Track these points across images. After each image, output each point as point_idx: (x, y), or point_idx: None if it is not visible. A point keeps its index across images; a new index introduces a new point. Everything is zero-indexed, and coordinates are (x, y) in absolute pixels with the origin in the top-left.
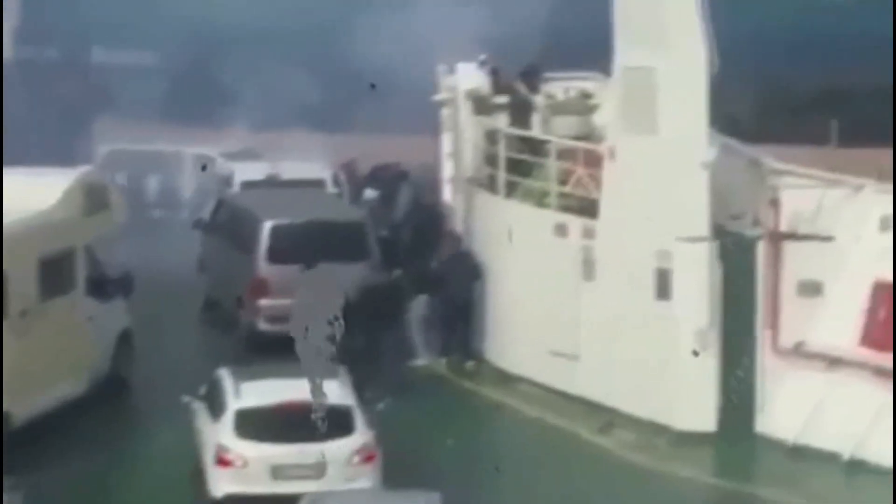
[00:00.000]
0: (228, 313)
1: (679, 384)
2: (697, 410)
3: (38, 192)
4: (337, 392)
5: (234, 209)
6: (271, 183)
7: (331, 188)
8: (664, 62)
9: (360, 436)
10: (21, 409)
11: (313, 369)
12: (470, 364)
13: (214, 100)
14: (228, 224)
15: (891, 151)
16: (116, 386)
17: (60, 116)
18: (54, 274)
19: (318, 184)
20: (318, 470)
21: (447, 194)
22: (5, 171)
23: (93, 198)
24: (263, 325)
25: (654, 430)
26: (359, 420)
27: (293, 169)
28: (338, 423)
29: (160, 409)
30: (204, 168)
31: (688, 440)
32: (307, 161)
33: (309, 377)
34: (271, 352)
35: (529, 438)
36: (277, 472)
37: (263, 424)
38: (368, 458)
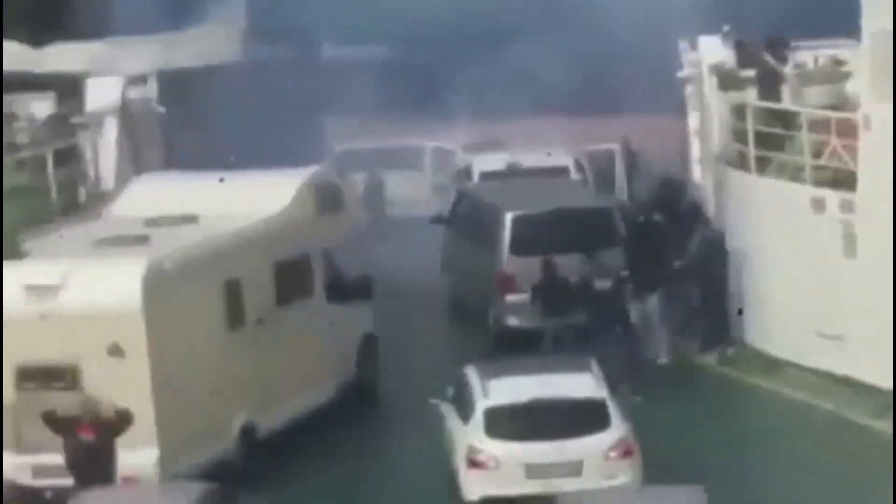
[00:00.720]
0: (475, 311)
1: None
2: None
3: (268, 194)
4: (590, 385)
5: (474, 202)
6: (512, 173)
7: (574, 175)
8: None
9: (617, 430)
10: (265, 420)
11: (565, 363)
12: (730, 350)
13: (449, 91)
14: (469, 218)
15: None
16: (362, 392)
17: (294, 115)
18: (291, 279)
19: (560, 171)
20: (575, 467)
21: (696, 174)
22: (234, 174)
23: (326, 198)
24: (513, 321)
25: None
26: (614, 414)
27: (533, 158)
28: (592, 417)
29: (408, 413)
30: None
31: None
32: (549, 148)
33: (560, 371)
34: (522, 348)
35: (801, 424)
36: (532, 471)
37: (515, 422)
38: (626, 453)
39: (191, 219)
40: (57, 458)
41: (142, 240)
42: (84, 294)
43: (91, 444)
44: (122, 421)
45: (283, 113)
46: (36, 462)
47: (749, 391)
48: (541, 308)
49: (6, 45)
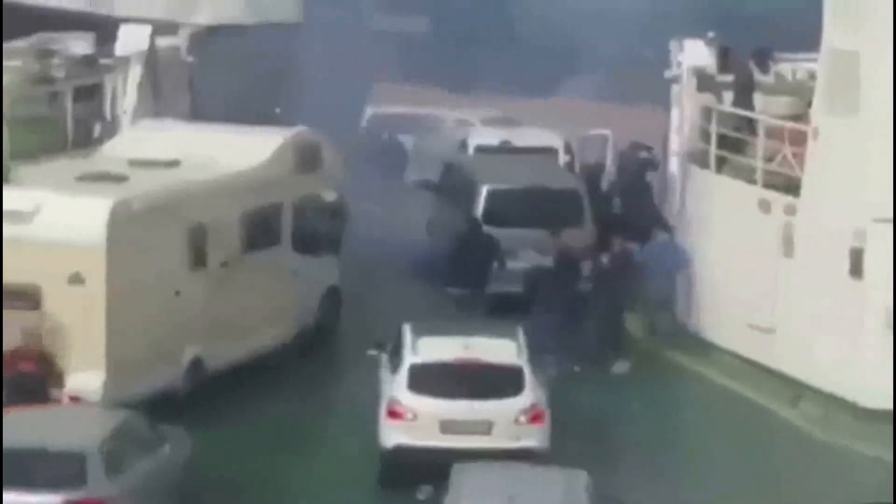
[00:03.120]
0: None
1: (867, 362)
2: (885, 388)
3: (250, 150)
4: (511, 351)
5: (459, 173)
6: (503, 149)
7: (562, 156)
8: (869, 45)
9: (529, 396)
10: (215, 356)
11: (494, 329)
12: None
13: (479, 66)
14: (454, 187)
15: None
16: (320, 340)
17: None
18: (259, 228)
19: (549, 151)
20: (485, 427)
21: (672, 167)
22: (226, 128)
23: (306, 157)
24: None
25: (840, 406)
26: (529, 381)
27: (527, 136)
28: (508, 382)
29: (357, 361)
30: None
31: (874, 417)
32: (544, 129)
33: (487, 336)
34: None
35: (718, 408)
36: (446, 426)
37: (435, 380)
38: (535, 418)
39: (173, 164)
40: None
41: (119, 178)
42: (53, 223)
43: (29, 375)
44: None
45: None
46: None
47: (677, 371)
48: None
49: None
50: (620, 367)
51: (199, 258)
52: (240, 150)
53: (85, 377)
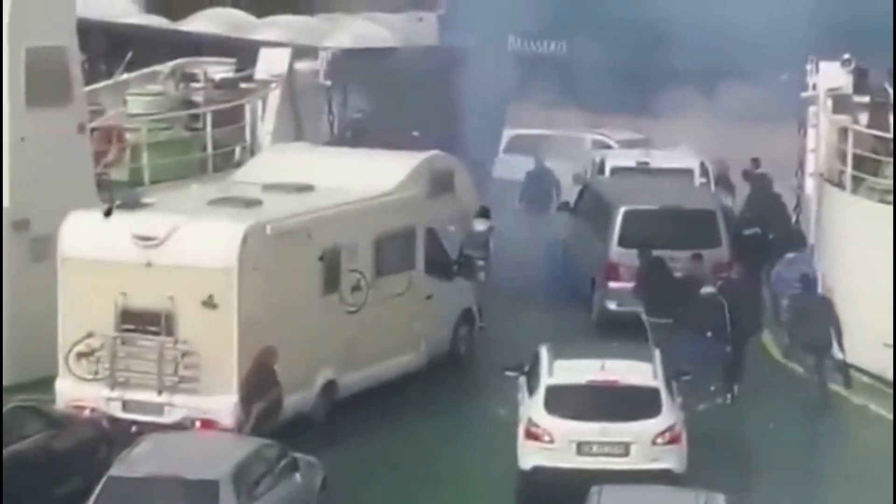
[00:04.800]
0: (583, 294)
1: None
2: None
3: (384, 173)
4: (647, 374)
5: (596, 194)
6: (640, 170)
7: (698, 178)
8: None
9: (666, 418)
10: (348, 380)
11: (631, 352)
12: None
13: (617, 87)
14: (590, 208)
15: None
16: (455, 361)
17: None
18: (392, 253)
19: (685, 173)
20: (622, 448)
21: (809, 188)
22: (361, 152)
23: (437, 182)
24: (612, 306)
25: None
26: (666, 402)
27: (663, 157)
28: (644, 404)
29: (496, 384)
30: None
31: None
32: (679, 150)
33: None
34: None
35: (856, 427)
36: (582, 448)
37: (572, 401)
38: (672, 440)
39: (307, 188)
40: (142, 395)
41: (254, 203)
42: (186, 248)
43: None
44: None
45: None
46: (125, 397)
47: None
48: (643, 302)
49: (232, 11)
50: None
51: (332, 282)
52: (373, 174)
53: (217, 400)
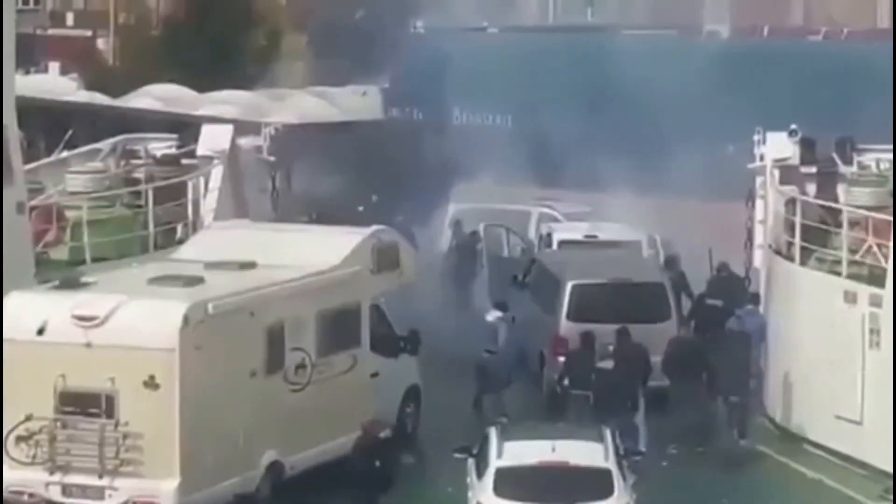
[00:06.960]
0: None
1: None
2: None
3: (327, 249)
4: (598, 454)
5: (544, 268)
6: (587, 243)
7: (646, 250)
8: None
9: (618, 499)
10: (294, 460)
11: (582, 432)
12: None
13: (560, 160)
14: (538, 282)
15: None
16: (401, 441)
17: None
18: (337, 330)
19: (633, 245)
20: None
21: (757, 260)
22: (303, 228)
23: (383, 257)
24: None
25: None
26: (618, 484)
27: (610, 230)
28: (596, 485)
29: (442, 465)
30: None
31: None
32: (625, 223)
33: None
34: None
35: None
36: None
37: (521, 484)
38: None
39: (249, 265)
40: (83, 479)
41: (195, 281)
42: (127, 328)
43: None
44: None
45: (412, 170)
46: (65, 481)
47: (762, 462)
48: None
49: (173, 87)
50: None
51: (276, 361)
52: (317, 250)
53: (157, 483)
